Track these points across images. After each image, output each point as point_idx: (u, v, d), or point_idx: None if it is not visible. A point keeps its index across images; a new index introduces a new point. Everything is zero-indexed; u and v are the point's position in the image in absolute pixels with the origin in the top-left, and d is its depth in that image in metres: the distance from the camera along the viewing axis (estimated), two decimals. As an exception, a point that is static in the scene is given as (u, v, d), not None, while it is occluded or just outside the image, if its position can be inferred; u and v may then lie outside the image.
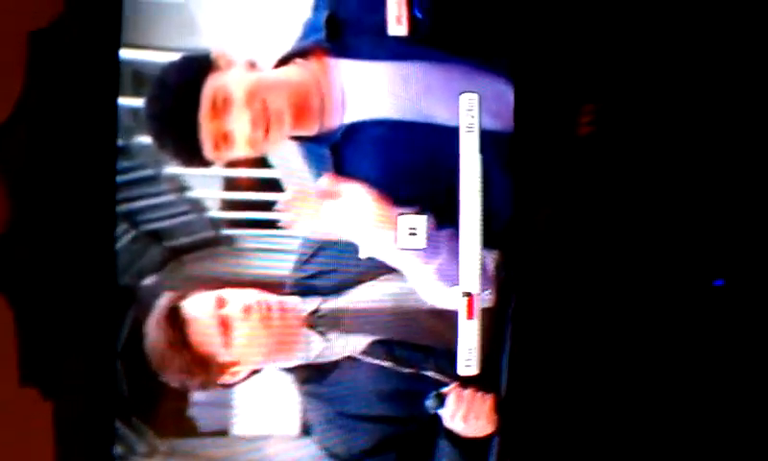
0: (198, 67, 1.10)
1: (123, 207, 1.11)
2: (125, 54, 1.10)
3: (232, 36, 1.12)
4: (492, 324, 1.15)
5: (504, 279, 1.15)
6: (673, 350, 1.17)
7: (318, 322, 1.18)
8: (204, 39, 1.12)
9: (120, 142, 1.10)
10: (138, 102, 1.10)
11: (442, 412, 1.15)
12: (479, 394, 1.15)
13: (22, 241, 1.10)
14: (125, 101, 1.10)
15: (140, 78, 1.10)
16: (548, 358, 1.16)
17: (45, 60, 1.08)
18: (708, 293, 1.17)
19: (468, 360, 1.15)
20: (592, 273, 1.17)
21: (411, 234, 1.15)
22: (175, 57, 1.11)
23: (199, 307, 1.15)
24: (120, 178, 1.10)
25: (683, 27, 1.16)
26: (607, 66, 1.16)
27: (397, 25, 1.13)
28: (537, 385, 1.16)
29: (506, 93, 1.15)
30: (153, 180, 1.12)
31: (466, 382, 1.15)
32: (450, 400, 1.15)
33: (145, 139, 1.11)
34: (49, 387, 1.10)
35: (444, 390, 1.15)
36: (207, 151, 1.10)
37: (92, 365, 1.10)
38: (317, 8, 1.14)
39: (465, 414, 1.14)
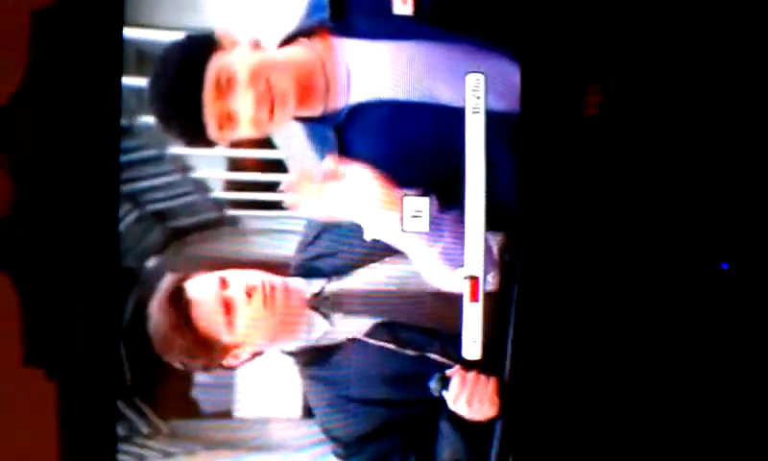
0: (202, 47, 1.10)
1: (127, 188, 1.10)
2: (129, 33, 1.09)
3: (237, 16, 1.11)
4: (496, 307, 1.14)
5: (508, 262, 1.15)
6: (678, 336, 1.17)
7: (321, 303, 1.18)
8: (209, 19, 1.11)
9: (124, 122, 1.09)
10: (142, 81, 1.09)
11: (445, 394, 1.14)
12: (482, 377, 1.14)
13: (26, 221, 1.09)
14: (129, 80, 1.09)
15: (144, 57, 1.10)
16: (552, 342, 1.15)
17: (48, 39, 1.08)
18: (714, 278, 1.16)
19: (472, 343, 1.14)
20: (597, 256, 1.17)
21: (415, 216, 1.14)
22: (179, 36, 1.10)
23: (202, 288, 1.14)
24: (124, 158, 1.10)
25: (690, 7, 1.15)
26: (612, 46, 1.15)
27: (403, 4, 1.12)
28: (540, 369, 1.15)
29: (511, 73, 1.14)
30: (156, 160, 1.12)
31: (469, 365, 1.14)
32: (454, 383, 1.14)
33: (149, 119, 1.10)
34: (53, 368, 1.09)
35: (448, 372, 1.15)
36: (211, 131, 1.09)
37: (96, 346, 1.10)
38: (321, -14, 1.14)
39: (468, 397, 1.14)
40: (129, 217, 1.11)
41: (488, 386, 1.14)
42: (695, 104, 1.16)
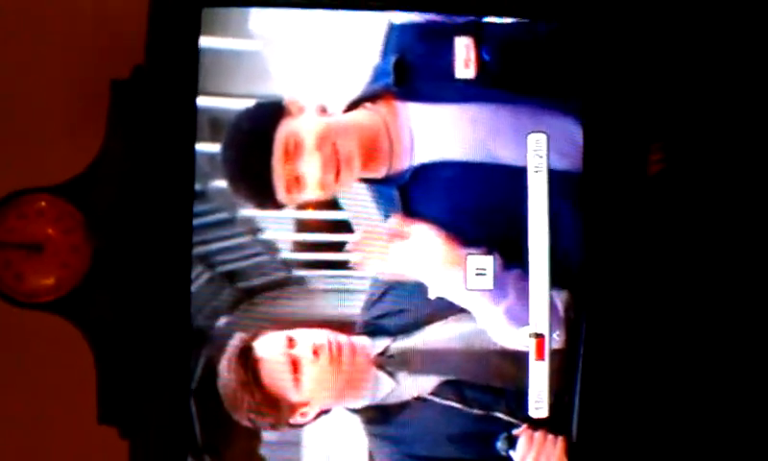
0: (271, 114, 1.09)
1: (199, 250, 1.09)
2: (202, 101, 1.09)
3: (304, 83, 1.11)
4: (563, 365, 1.10)
5: (574, 319, 1.10)
6: (754, 396, 1.10)
7: (387, 362, 1.14)
8: (277, 86, 1.11)
9: (197, 187, 1.08)
10: (214, 147, 1.09)
11: (512, 454, 1.09)
12: (550, 436, 1.09)
13: (103, 284, 1.08)
14: (202, 147, 1.09)
15: (216, 124, 1.10)
16: (620, 400, 1.10)
17: (126, 107, 1.08)
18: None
19: (539, 402, 1.09)
20: (663, 313, 1.11)
21: (479, 275, 1.10)
22: (249, 104, 1.10)
23: (270, 347, 1.11)
24: (197, 221, 1.08)
25: (756, 67, 1.11)
26: (676, 103, 1.12)
27: (465, 68, 1.11)
28: (609, 427, 1.09)
29: (574, 132, 1.11)
30: (228, 222, 1.10)
31: (536, 424, 1.09)
32: (521, 443, 1.09)
33: (221, 183, 1.09)
34: (126, 426, 1.07)
35: (515, 432, 1.10)
36: (280, 194, 1.09)
37: (167, 404, 1.07)
38: (385, 53, 1.12)
39: (536, 457, 1.09)
40: (200, 278, 1.10)
41: (555, 445, 1.09)
42: (760, 159, 1.11)
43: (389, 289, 1.14)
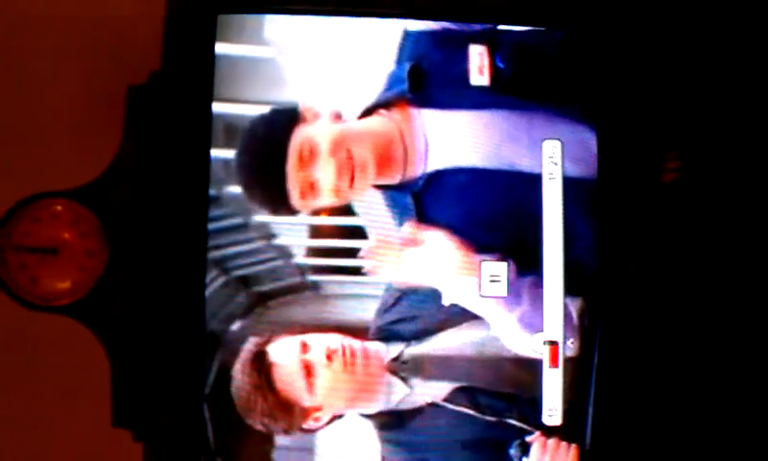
0: (286, 120, 1.10)
1: (214, 254, 1.09)
2: (217, 107, 1.09)
3: (319, 90, 1.11)
4: (577, 372, 1.09)
5: (588, 326, 1.10)
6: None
7: (400, 368, 1.14)
8: (292, 93, 1.11)
9: (212, 192, 1.08)
10: (230, 153, 1.09)
11: (526, 461, 1.09)
12: (563, 443, 1.08)
13: (118, 288, 1.08)
14: (217, 152, 1.09)
15: (232, 130, 1.10)
16: (634, 408, 1.09)
17: (142, 113, 1.08)
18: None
19: (552, 409, 1.09)
20: (678, 321, 1.11)
21: (493, 281, 1.10)
22: (264, 110, 1.10)
23: (283, 352, 1.11)
24: (211, 226, 1.09)
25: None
26: (692, 111, 1.11)
27: (479, 75, 1.11)
28: (622, 436, 1.09)
29: (589, 139, 1.10)
30: (242, 227, 1.10)
31: (549, 432, 1.09)
32: (534, 450, 1.08)
33: (235, 189, 1.09)
34: (140, 430, 1.07)
35: (528, 438, 1.09)
36: (294, 199, 1.09)
37: (181, 408, 1.07)
38: (400, 60, 1.12)
39: (549, 464, 1.08)
40: (215, 283, 1.10)
41: (569, 453, 1.08)
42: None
43: (403, 295, 1.14)
